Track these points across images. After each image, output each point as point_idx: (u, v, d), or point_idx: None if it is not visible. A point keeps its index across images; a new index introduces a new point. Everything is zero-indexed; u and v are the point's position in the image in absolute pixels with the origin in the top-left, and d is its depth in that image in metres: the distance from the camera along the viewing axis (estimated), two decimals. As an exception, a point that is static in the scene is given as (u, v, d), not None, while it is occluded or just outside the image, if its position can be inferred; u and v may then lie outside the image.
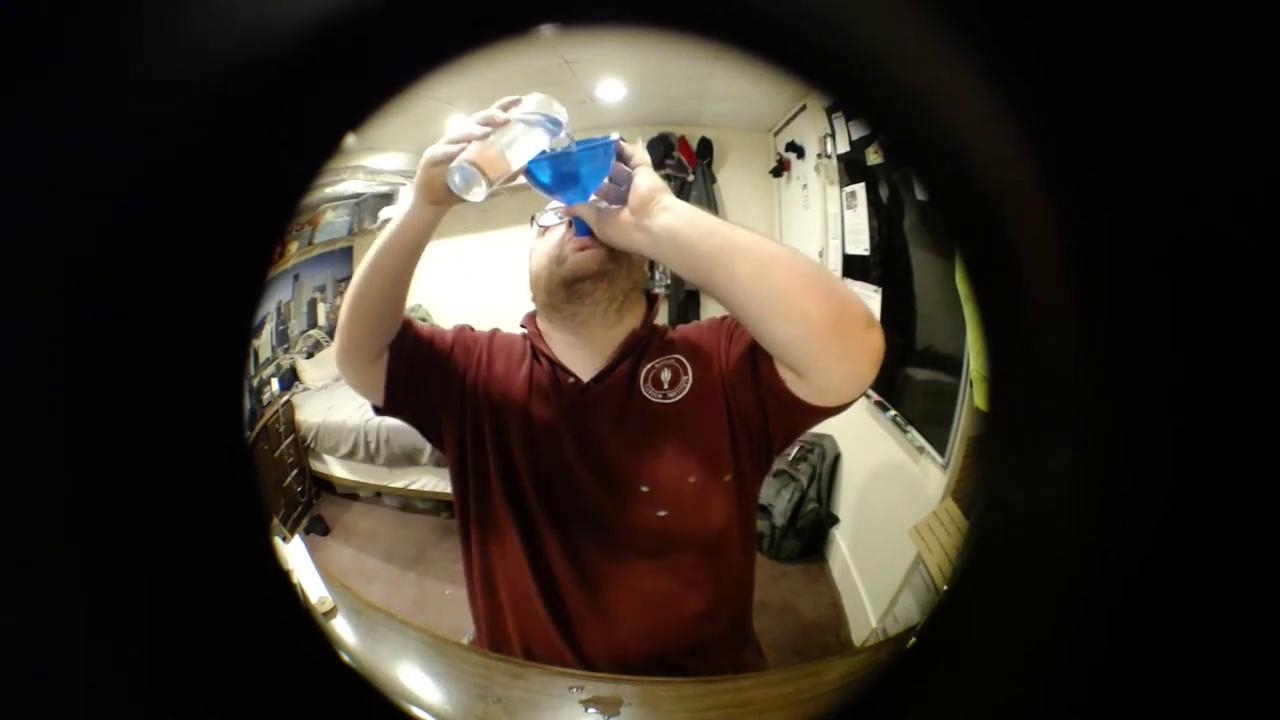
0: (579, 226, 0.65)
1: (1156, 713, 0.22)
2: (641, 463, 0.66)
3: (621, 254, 0.66)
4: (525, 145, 0.57)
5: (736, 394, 0.66)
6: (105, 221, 0.20)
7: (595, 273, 0.65)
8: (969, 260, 0.23)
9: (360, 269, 0.64)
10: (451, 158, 0.54)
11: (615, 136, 0.61)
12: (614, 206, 0.60)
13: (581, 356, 0.70)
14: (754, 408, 0.65)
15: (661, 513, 0.66)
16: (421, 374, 0.70)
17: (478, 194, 0.55)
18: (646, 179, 0.59)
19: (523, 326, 0.75)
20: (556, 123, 0.59)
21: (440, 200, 0.58)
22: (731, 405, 0.66)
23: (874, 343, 0.55)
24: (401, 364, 0.69)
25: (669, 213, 0.57)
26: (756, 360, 0.63)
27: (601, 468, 0.67)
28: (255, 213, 0.21)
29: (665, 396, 0.67)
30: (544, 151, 0.59)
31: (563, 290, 0.66)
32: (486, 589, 0.73)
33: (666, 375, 0.68)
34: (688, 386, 0.67)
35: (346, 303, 0.65)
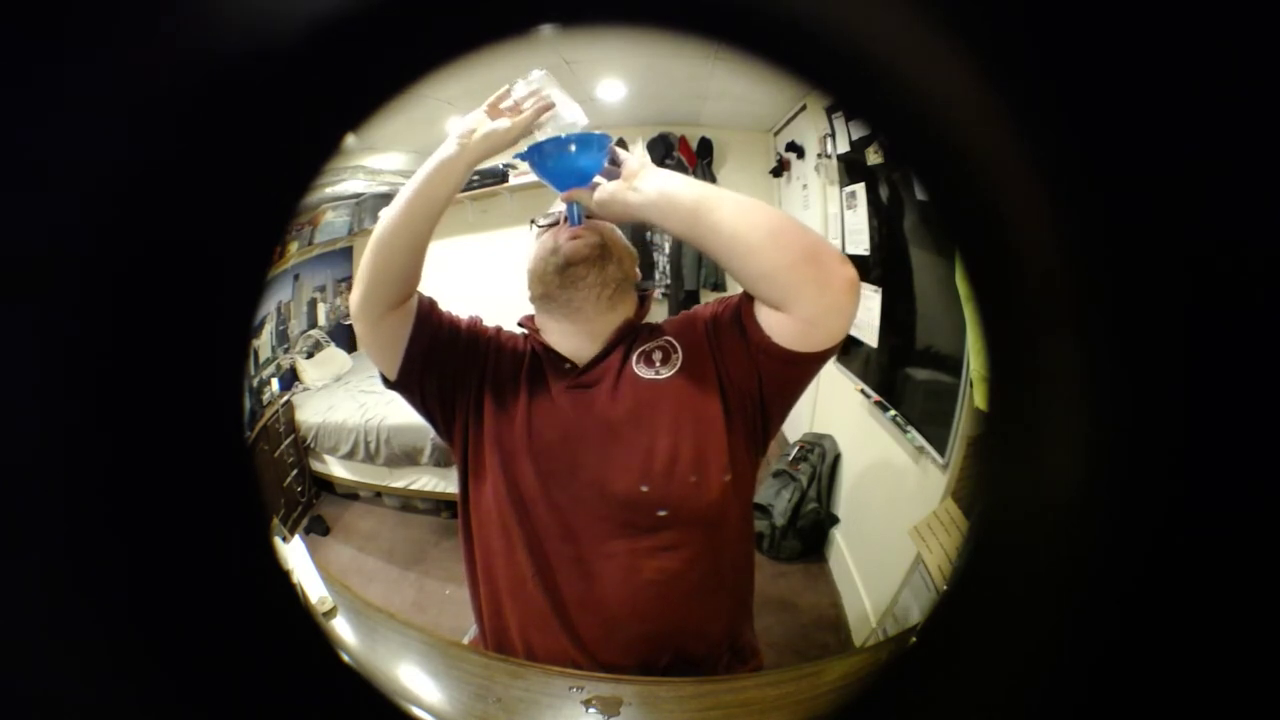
0: (573, 218, 0.71)
1: (1157, 713, 0.22)
2: (635, 439, 0.68)
3: (611, 245, 0.73)
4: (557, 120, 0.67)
5: (727, 363, 0.69)
6: (104, 221, 0.20)
7: (587, 257, 0.70)
8: (969, 260, 0.23)
9: (388, 214, 0.66)
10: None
11: (609, 136, 0.68)
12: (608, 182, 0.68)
13: (577, 344, 0.73)
14: (747, 373, 0.68)
15: (661, 507, 0.67)
16: (440, 354, 0.73)
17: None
18: (637, 158, 0.66)
19: (521, 325, 0.79)
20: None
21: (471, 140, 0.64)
22: (723, 376, 0.69)
23: (850, 274, 0.62)
24: (423, 338, 0.72)
25: (658, 176, 0.65)
26: (742, 325, 0.68)
27: (597, 447, 0.69)
28: (255, 213, 0.21)
29: (657, 374, 0.71)
30: (544, 141, 0.66)
31: (557, 276, 0.71)
32: (486, 575, 0.74)
33: (658, 355, 0.72)
34: (679, 364, 0.71)
35: (370, 247, 0.67)
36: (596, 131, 0.67)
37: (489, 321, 0.80)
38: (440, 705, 0.61)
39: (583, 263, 0.70)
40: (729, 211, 0.62)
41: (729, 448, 0.69)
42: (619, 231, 0.76)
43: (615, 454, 0.68)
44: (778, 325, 0.64)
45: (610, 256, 0.72)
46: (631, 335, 0.74)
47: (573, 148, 0.66)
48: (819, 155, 1.49)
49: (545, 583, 0.70)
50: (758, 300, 0.66)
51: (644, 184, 0.64)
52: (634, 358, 0.72)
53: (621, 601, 0.68)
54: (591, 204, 0.67)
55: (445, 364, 0.73)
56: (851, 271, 0.61)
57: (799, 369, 0.67)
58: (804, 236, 0.62)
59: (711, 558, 0.70)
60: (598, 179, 0.68)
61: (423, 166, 0.64)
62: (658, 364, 0.71)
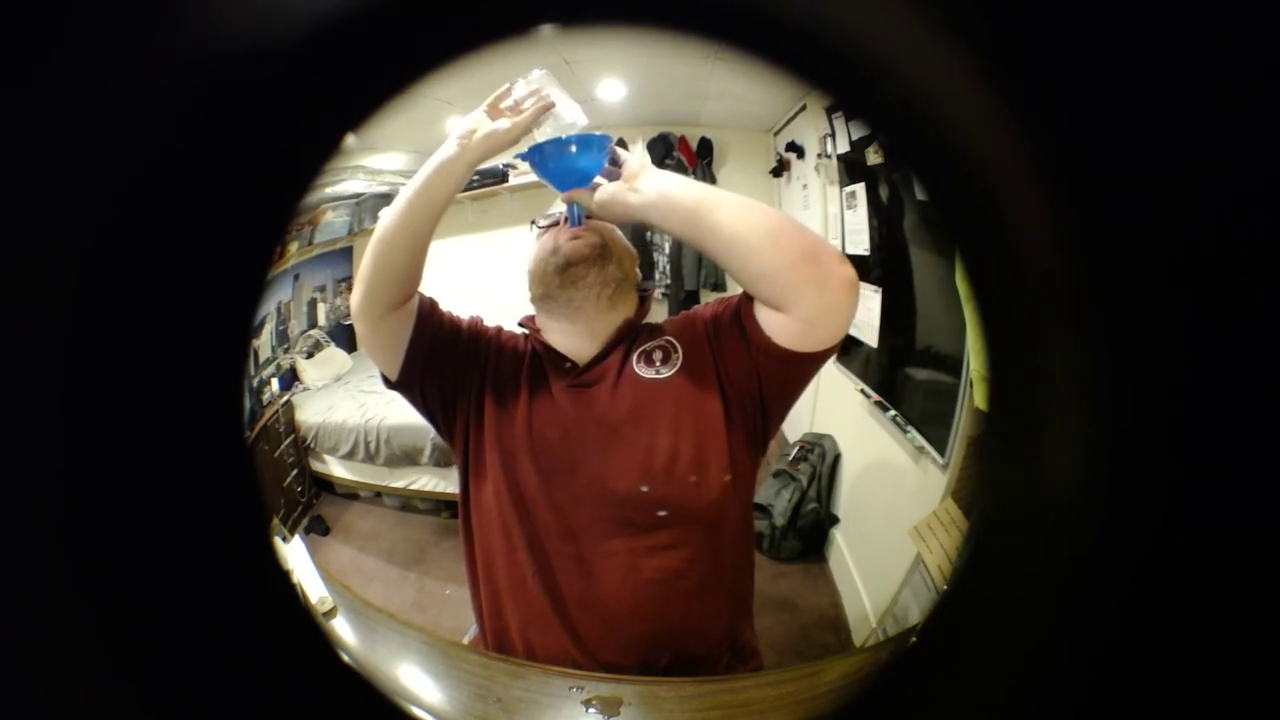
0: (573, 220, 0.71)
1: (1157, 713, 0.22)
2: (636, 438, 0.69)
3: (611, 245, 0.73)
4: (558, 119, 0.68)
5: (727, 363, 0.69)
6: (104, 221, 0.20)
7: (587, 256, 0.71)
8: (969, 260, 0.23)
9: (389, 214, 0.66)
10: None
11: (609, 137, 0.68)
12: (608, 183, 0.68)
13: (578, 343, 0.74)
14: (746, 373, 0.68)
15: (661, 507, 0.67)
16: (441, 354, 0.73)
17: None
18: (637, 160, 0.67)
19: (522, 325, 0.79)
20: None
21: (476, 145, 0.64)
22: (723, 376, 0.70)
23: (848, 274, 0.62)
24: (424, 339, 0.72)
25: (658, 177, 0.66)
26: (742, 325, 0.68)
27: (598, 446, 0.69)
28: (255, 213, 0.21)
29: (658, 373, 0.71)
30: (545, 141, 0.67)
31: (558, 276, 0.71)
32: (487, 574, 0.74)
33: (658, 355, 0.73)
34: (679, 363, 0.71)
35: (372, 247, 0.67)
36: (597, 132, 0.67)
37: (489, 322, 0.80)
38: (440, 705, 0.61)
39: (583, 262, 0.70)
40: (728, 212, 0.62)
41: (729, 447, 0.69)
42: (619, 232, 0.76)
43: (615, 453, 0.68)
44: (777, 325, 0.64)
45: (610, 256, 0.72)
46: (632, 335, 0.74)
47: (573, 148, 0.66)
48: (819, 155, 1.49)
49: (545, 581, 0.70)
50: (757, 300, 0.66)
51: (644, 185, 0.64)
52: (634, 357, 0.72)
53: (621, 600, 0.68)
54: (592, 204, 0.67)
55: (446, 364, 0.73)
56: (850, 271, 0.62)
57: (798, 369, 0.67)
58: (802, 237, 0.63)
59: (711, 557, 0.70)
60: (598, 179, 0.68)
61: (423, 167, 0.64)
62: (658, 363, 0.71)
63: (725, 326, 0.70)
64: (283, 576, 0.25)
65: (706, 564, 0.69)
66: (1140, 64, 0.19)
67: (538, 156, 0.67)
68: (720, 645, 0.73)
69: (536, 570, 0.70)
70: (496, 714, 0.59)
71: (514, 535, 0.70)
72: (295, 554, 0.86)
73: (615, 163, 0.68)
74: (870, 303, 1.34)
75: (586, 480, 0.69)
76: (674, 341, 0.72)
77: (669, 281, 1.75)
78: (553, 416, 0.71)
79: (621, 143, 0.71)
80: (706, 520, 0.69)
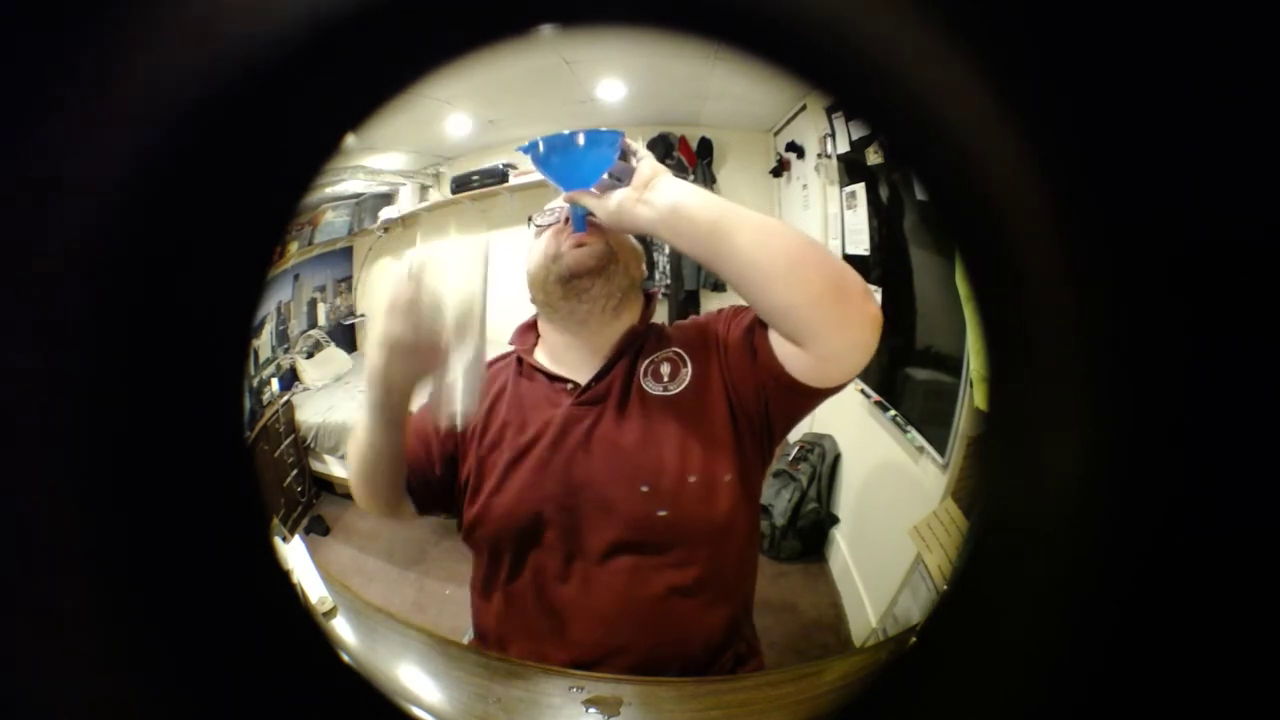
0: (577, 223, 0.66)
1: (1156, 713, 0.22)
2: (644, 457, 0.66)
3: (617, 250, 0.68)
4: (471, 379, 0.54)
5: (736, 383, 0.67)
6: (105, 222, 0.20)
7: (592, 268, 0.66)
8: (969, 260, 0.23)
9: (352, 455, 0.67)
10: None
11: (621, 133, 0.62)
12: (617, 187, 0.62)
13: (580, 356, 0.71)
14: (755, 395, 0.66)
15: (662, 511, 0.66)
16: (444, 474, 0.72)
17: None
18: (649, 164, 0.61)
19: (511, 344, 0.76)
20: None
21: (401, 417, 0.60)
22: (732, 395, 0.67)
23: (872, 311, 0.57)
24: (426, 486, 0.72)
25: (671, 188, 0.59)
26: (754, 346, 0.64)
27: (604, 464, 0.67)
28: (255, 213, 0.21)
29: (666, 389, 0.68)
30: (550, 136, 0.61)
31: (560, 287, 0.67)
32: (485, 593, 0.73)
33: (666, 369, 0.69)
34: (687, 379, 0.68)
35: (352, 474, 0.68)
36: (603, 128, 0.61)
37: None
38: (440, 705, 0.61)
39: (587, 274, 0.66)
40: (748, 236, 0.57)
41: (737, 465, 0.67)
42: None
43: (622, 471, 0.66)
44: (791, 356, 0.61)
45: (617, 262, 0.68)
46: (636, 344, 0.71)
47: (581, 141, 0.60)
48: (819, 155, 1.49)
49: (549, 601, 0.68)
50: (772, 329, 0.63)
51: (655, 197, 0.59)
52: (641, 370, 0.69)
53: (626, 617, 0.67)
54: (596, 208, 0.63)
55: (448, 478, 0.72)
56: (875, 309, 0.57)
57: (809, 399, 0.64)
58: (827, 268, 0.58)
59: (718, 575, 0.68)
60: (605, 176, 0.63)
61: (354, 437, 0.64)
62: (666, 379, 0.68)
63: (736, 345, 0.66)
64: (283, 576, 0.25)
65: (714, 582, 0.68)
66: (1140, 64, 0.19)
67: (541, 151, 0.61)
68: (723, 652, 0.73)
69: (540, 588, 0.68)
70: (496, 714, 0.59)
71: (516, 556, 0.69)
72: (295, 554, 0.86)
73: (627, 158, 0.62)
74: (870, 302, 1.33)
75: (592, 499, 0.66)
76: (682, 354, 0.69)
77: (669, 281, 1.75)
78: (555, 438, 0.68)
79: None
80: (713, 537, 0.67)
